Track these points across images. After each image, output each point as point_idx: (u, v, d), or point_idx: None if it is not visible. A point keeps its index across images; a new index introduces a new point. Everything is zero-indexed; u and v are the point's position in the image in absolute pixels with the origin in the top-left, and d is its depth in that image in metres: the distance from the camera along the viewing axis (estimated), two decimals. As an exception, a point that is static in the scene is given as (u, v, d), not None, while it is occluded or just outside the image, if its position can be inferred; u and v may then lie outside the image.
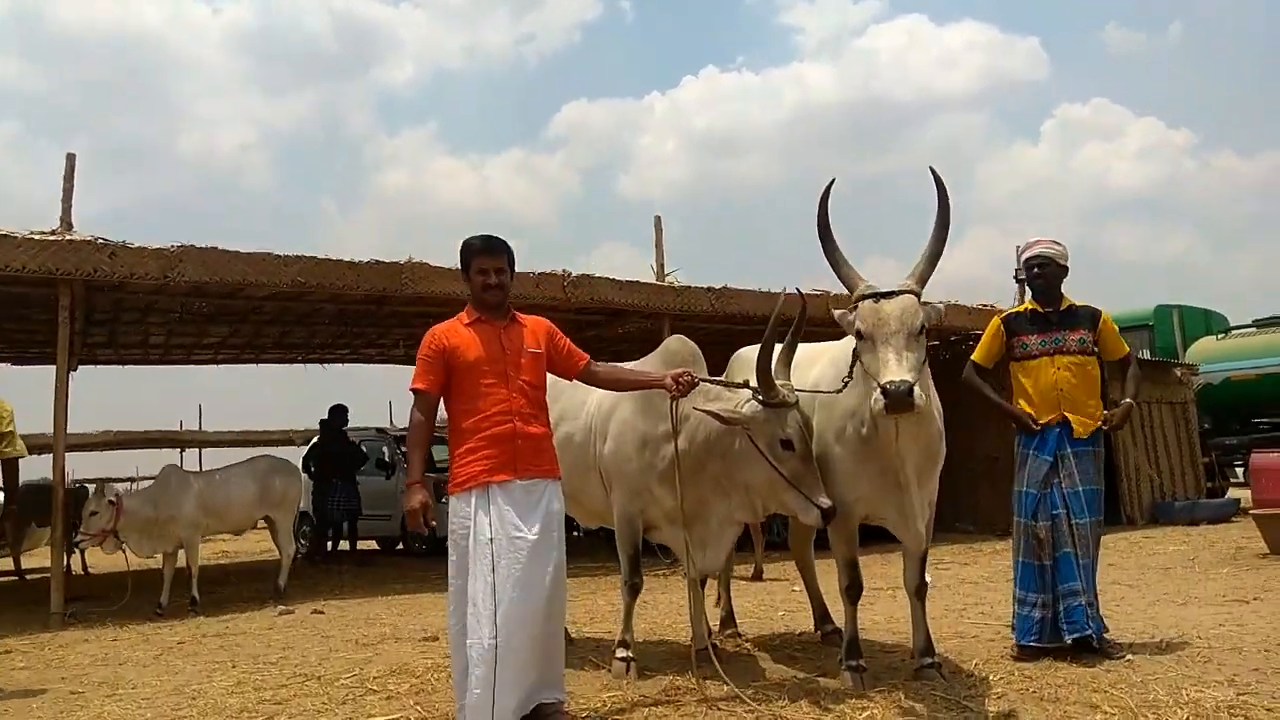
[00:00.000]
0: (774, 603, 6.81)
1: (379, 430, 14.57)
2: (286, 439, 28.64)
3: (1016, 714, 3.66)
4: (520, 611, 3.44)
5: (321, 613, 7.33)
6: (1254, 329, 16.64)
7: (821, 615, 5.19)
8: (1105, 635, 4.59)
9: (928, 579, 4.42)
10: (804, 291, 11.20)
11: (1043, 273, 4.90)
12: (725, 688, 4.01)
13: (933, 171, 3.97)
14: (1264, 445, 15.10)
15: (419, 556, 12.15)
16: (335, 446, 11.92)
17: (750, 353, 5.17)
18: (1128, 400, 4.82)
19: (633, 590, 4.55)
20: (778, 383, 3.99)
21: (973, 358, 4.96)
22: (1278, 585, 7.06)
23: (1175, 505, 13.51)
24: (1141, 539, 11.14)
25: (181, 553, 7.72)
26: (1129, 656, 4.46)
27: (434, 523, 3.58)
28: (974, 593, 7.03)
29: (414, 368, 3.73)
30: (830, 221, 4.04)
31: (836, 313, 3.94)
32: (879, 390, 3.55)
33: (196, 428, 26.23)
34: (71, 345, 8.70)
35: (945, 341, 14.05)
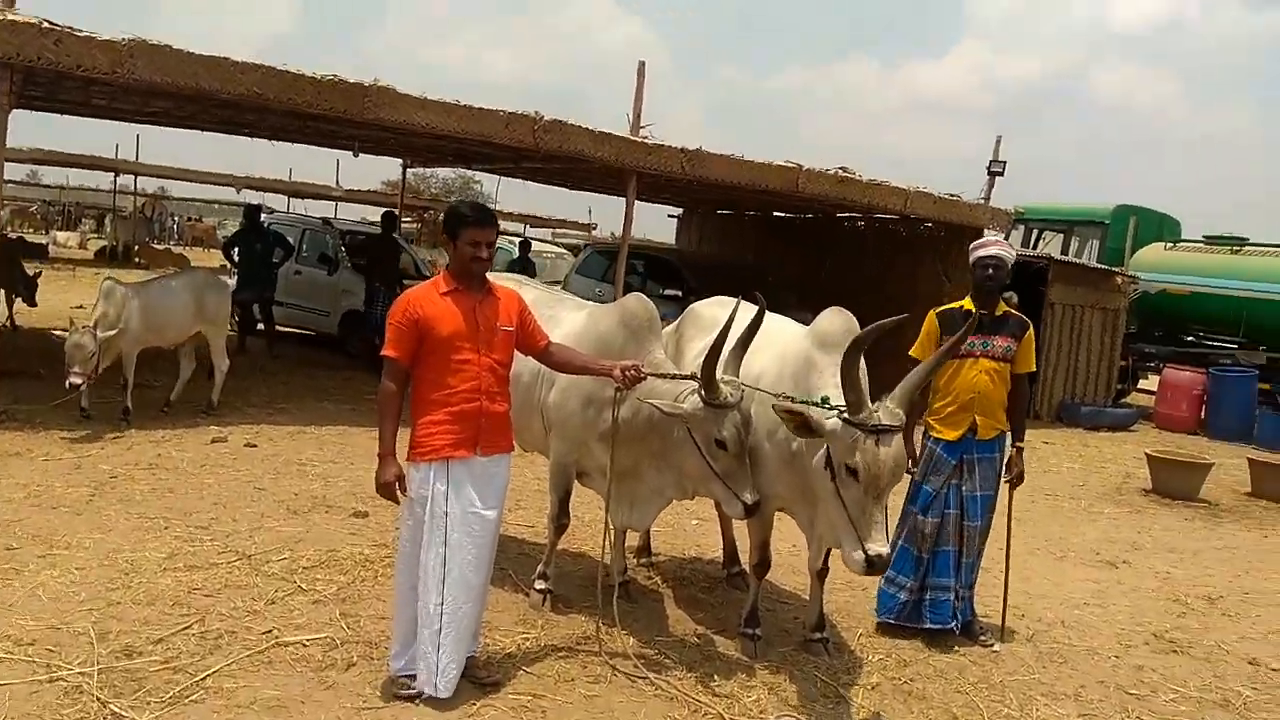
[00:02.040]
0: (689, 508, 7.17)
1: (325, 221, 14.24)
2: (228, 181, 27.95)
3: (884, 716, 4.08)
4: (466, 583, 3.70)
5: (254, 445, 7.50)
6: (1202, 244, 16.94)
7: (730, 557, 5.54)
8: (970, 621, 5.03)
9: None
10: (775, 164, 10.96)
11: (995, 275, 4.94)
12: (630, 640, 4.38)
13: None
14: (1180, 360, 15.85)
15: (353, 357, 12.25)
16: (255, 237, 12.00)
17: (706, 310, 5.22)
18: (1020, 445, 5.02)
19: (559, 529, 4.79)
20: (723, 382, 4.07)
21: (911, 353, 5.05)
22: (1147, 543, 7.69)
23: (1082, 409, 14.24)
24: (1042, 444, 11.82)
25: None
26: (995, 647, 4.93)
27: (409, 494, 3.69)
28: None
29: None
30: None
31: (827, 422, 3.81)
32: (860, 552, 3.66)
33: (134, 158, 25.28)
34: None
35: (907, 222, 14.09)
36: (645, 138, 10.19)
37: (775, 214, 16.44)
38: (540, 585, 4.82)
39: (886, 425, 3.69)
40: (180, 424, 7.91)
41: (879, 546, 3.66)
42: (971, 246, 5.10)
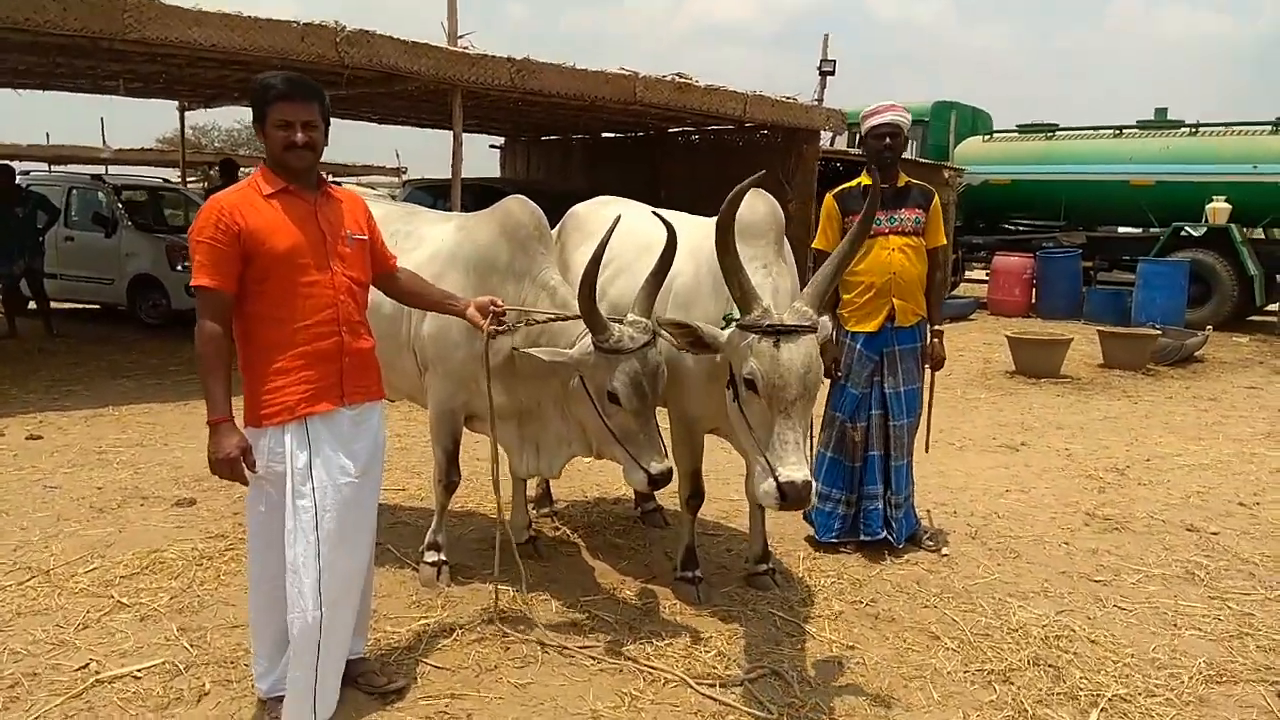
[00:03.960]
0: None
1: (94, 178, 12.34)
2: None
3: (859, 646, 3.52)
4: (346, 575, 2.84)
5: (39, 438, 6.15)
6: (1016, 133, 17.41)
7: (643, 494, 4.84)
8: (915, 530, 4.58)
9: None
10: (610, 71, 10.08)
11: (894, 143, 4.42)
12: (553, 606, 3.64)
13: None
14: (1007, 248, 16.31)
15: (148, 328, 10.75)
16: (11, 202, 10.16)
17: (590, 211, 4.43)
18: (939, 329, 4.53)
19: (448, 489, 3.93)
20: (621, 322, 3.29)
21: (814, 245, 4.46)
22: (1034, 422, 7.58)
23: (927, 304, 14.38)
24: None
25: None
26: (944, 551, 4.50)
27: (257, 470, 2.74)
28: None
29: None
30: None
31: (722, 333, 3.17)
32: (771, 481, 2.93)
33: None
34: None
35: (742, 131, 13.61)
36: (466, 47, 9.12)
37: (604, 135, 15.62)
38: (432, 557, 3.97)
39: (787, 325, 3.02)
40: (-65, 425, 6.42)
41: (792, 471, 2.90)
42: (862, 116, 4.53)
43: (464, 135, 9.76)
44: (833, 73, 12.74)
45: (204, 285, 2.67)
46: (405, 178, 29.24)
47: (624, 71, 10.22)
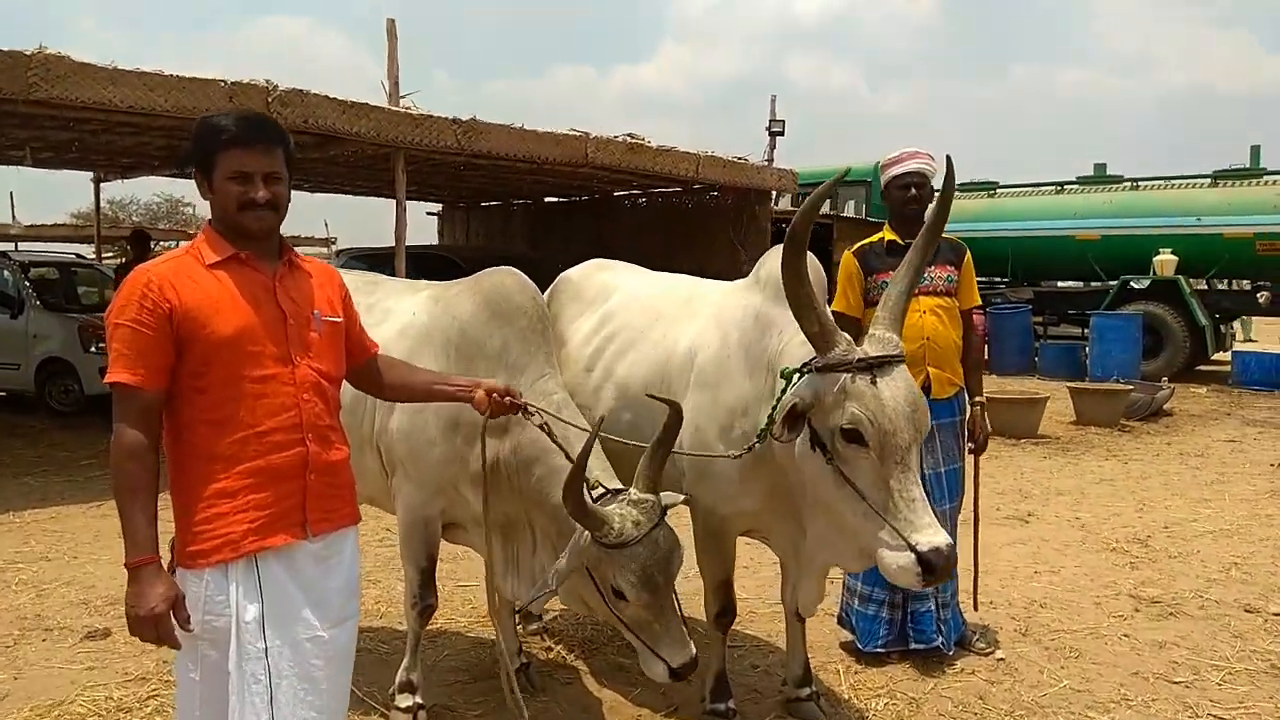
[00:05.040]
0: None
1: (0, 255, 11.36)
2: None
3: (940, 791, 2.91)
4: None
5: (-80, 556, 5.25)
6: (958, 192, 17.41)
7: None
8: (963, 633, 4.01)
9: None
10: (560, 133, 9.59)
11: (920, 194, 3.93)
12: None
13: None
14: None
15: (59, 416, 9.78)
16: None
17: (585, 276, 3.86)
18: (980, 400, 3.99)
19: (423, 615, 3.23)
20: (623, 502, 2.65)
21: (834, 309, 3.96)
22: (1033, 489, 7.14)
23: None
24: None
25: None
26: (998, 654, 3.93)
27: (191, 628, 2.04)
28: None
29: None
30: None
31: (803, 389, 2.56)
32: (907, 554, 2.36)
33: None
34: None
35: (691, 193, 13.25)
36: (408, 108, 8.57)
37: (548, 200, 15.14)
38: (406, 701, 3.24)
39: (881, 355, 2.50)
40: None
41: (930, 535, 2.36)
42: (883, 165, 4.06)
43: (395, 202, 9.17)
44: (782, 133, 12.63)
45: (123, 382, 2.00)
46: (335, 248, 28.31)
47: (575, 132, 9.77)
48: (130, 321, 2.00)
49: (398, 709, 3.23)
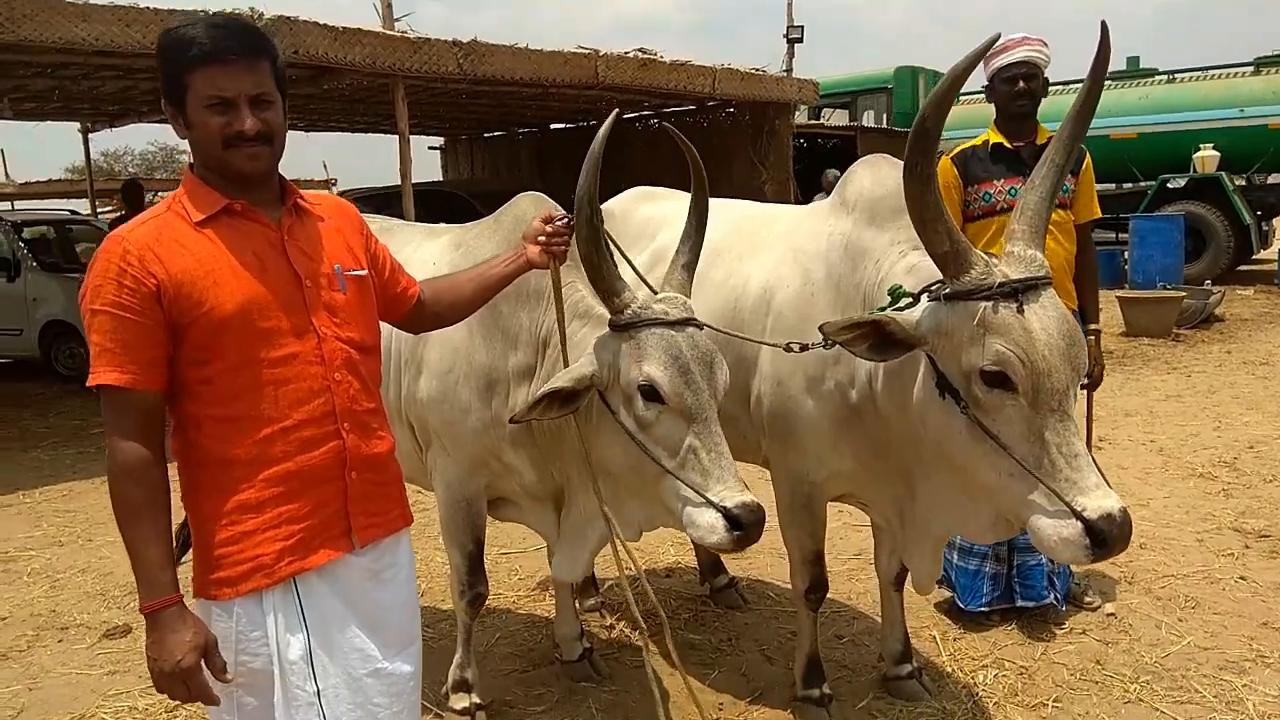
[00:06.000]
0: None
1: (-11, 215, 10.90)
2: None
3: (1077, 783, 2.55)
4: None
5: (-76, 545, 4.92)
6: (983, 95, 16.67)
7: (711, 563, 3.80)
8: (1070, 581, 3.62)
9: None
10: (568, 50, 8.92)
11: (1030, 87, 3.40)
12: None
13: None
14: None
15: (67, 381, 9.43)
16: None
17: (624, 211, 3.39)
18: (1095, 328, 3.47)
19: (474, 604, 2.85)
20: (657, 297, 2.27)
21: None
22: (1099, 412, 6.68)
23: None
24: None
25: None
26: (1108, 608, 3.54)
27: (228, 677, 1.64)
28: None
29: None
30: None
31: (917, 315, 2.14)
32: (1073, 523, 1.91)
33: None
34: None
35: (705, 112, 12.61)
36: (405, 31, 7.96)
37: (553, 127, 14.48)
38: (462, 702, 2.89)
39: (1027, 278, 2.02)
40: None
41: (1101, 499, 1.91)
42: (987, 55, 3.50)
43: (394, 137, 8.63)
44: (801, 39, 11.85)
45: (110, 384, 1.58)
46: (336, 189, 27.64)
47: (584, 50, 9.14)
48: (109, 306, 1.58)
49: (452, 710, 2.88)
